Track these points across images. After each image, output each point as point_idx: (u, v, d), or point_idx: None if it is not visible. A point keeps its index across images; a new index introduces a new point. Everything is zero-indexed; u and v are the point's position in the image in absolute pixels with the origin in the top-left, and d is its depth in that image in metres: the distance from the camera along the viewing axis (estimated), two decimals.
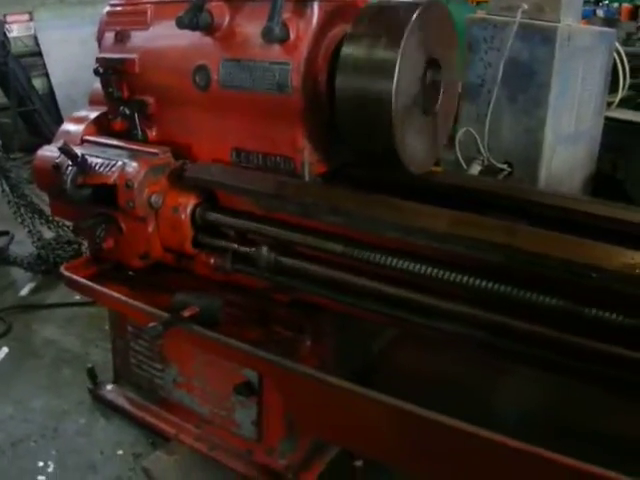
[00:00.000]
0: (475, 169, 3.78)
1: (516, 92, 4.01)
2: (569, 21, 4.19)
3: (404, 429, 2.24)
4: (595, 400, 2.46)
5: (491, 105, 3.92)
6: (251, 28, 2.55)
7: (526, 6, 4.08)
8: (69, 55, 8.94)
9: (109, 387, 3.61)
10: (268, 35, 2.41)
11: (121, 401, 3.49)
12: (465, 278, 2.13)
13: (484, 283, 2.10)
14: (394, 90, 2.28)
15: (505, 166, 3.92)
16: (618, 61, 5.14)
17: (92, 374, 3.65)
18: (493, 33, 4.13)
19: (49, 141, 3.09)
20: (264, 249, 2.50)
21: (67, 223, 5.32)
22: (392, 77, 2.28)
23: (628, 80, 5.38)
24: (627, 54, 6.20)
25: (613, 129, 5.50)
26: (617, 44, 5.17)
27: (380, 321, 2.48)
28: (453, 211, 2.29)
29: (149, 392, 3.35)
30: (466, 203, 2.52)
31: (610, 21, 8.06)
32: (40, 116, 8.92)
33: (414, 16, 2.37)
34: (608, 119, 5.32)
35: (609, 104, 5.39)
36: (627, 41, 7.91)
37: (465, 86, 4.20)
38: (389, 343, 2.99)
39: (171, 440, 3.17)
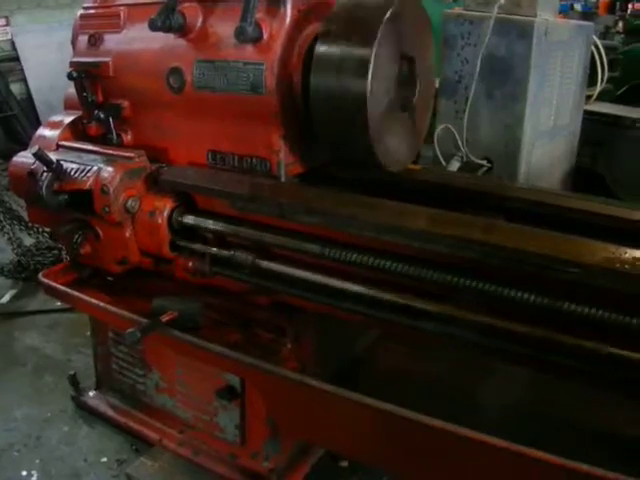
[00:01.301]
0: (454, 166, 3.78)
1: (494, 87, 4.01)
2: (546, 15, 4.19)
3: (386, 430, 2.23)
4: (578, 394, 2.45)
5: (469, 101, 3.92)
6: (224, 29, 2.54)
7: (502, 1, 4.07)
8: (47, 60, 8.87)
9: (91, 394, 3.58)
10: (241, 35, 2.39)
11: (104, 408, 3.46)
12: (443, 276, 2.12)
13: (462, 281, 2.09)
14: (369, 88, 2.27)
15: (484, 162, 3.92)
16: (596, 54, 5.15)
17: (74, 381, 3.62)
18: (470, 29, 4.13)
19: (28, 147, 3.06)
20: (242, 252, 2.48)
21: (47, 229, 5.28)
22: (366, 75, 2.27)
23: (607, 73, 5.38)
24: (605, 47, 6.22)
25: (592, 123, 5.52)
26: (595, 37, 5.17)
27: (361, 322, 2.46)
28: (430, 209, 2.29)
29: (132, 398, 3.33)
30: (444, 200, 2.52)
31: (588, 14, 8.10)
32: (18, 122, 8.86)
33: (388, 13, 2.36)
34: (587, 113, 5.33)
35: (588, 98, 5.40)
36: (605, 34, 7.94)
37: (443, 82, 4.19)
38: (371, 344, 2.98)
39: (155, 446, 3.14)
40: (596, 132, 5.61)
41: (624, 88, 6.97)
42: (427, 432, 2.09)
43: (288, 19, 2.47)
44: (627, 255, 1.93)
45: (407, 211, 2.27)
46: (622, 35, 7.93)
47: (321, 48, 2.39)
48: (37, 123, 8.65)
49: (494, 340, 2.12)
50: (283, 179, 2.55)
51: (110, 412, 3.43)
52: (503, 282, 2.04)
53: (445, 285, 2.12)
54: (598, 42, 5.21)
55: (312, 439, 2.78)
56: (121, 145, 2.89)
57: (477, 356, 2.44)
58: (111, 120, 2.89)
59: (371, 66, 2.27)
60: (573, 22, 4.98)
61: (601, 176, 5.70)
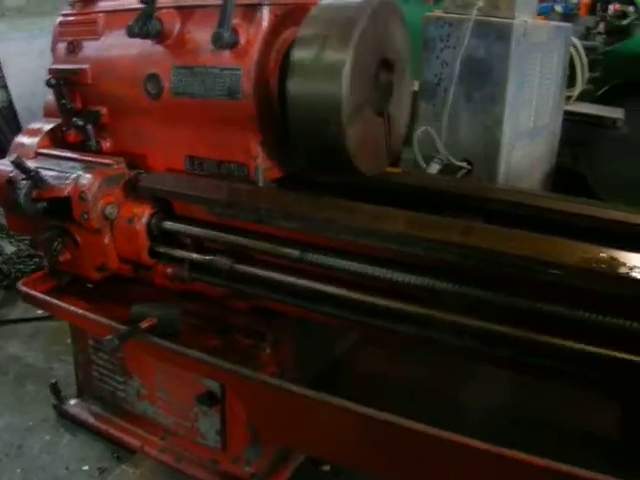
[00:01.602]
0: (434, 168, 3.78)
1: (473, 90, 4.02)
2: (524, 17, 4.20)
3: (366, 434, 2.23)
4: (559, 395, 2.46)
5: (448, 103, 3.93)
6: (202, 35, 2.53)
7: (481, 3, 4.09)
8: (28, 67, 8.82)
9: (73, 402, 3.56)
10: (218, 41, 2.39)
11: (85, 415, 3.44)
12: (422, 279, 2.12)
13: (441, 283, 2.09)
14: (345, 92, 2.27)
15: (464, 164, 3.92)
16: (576, 55, 5.17)
17: (56, 389, 3.60)
18: (449, 31, 4.14)
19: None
20: (221, 257, 2.48)
21: (28, 237, 5.26)
22: (342, 79, 2.27)
23: (587, 74, 5.41)
24: (585, 48, 6.25)
25: (573, 123, 5.55)
26: (575, 39, 5.20)
27: (341, 325, 2.46)
28: (408, 212, 2.29)
29: (113, 405, 3.31)
30: (424, 203, 2.52)
31: (569, 16, 8.09)
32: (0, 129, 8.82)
33: (364, 16, 2.36)
34: (568, 113, 5.35)
35: (568, 98, 5.42)
36: (587, 35, 7.95)
37: (422, 85, 4.20)
38: (352, 347, 2.98)
39: (136, 453, 3.13)
40: (577, 132, 5.65)
41: (605, 88, 6.99)
42: (408, 435, 2.09)
43: (265, 24, 2.47)
44: (604, 255, 1.94)
45: (385, 214, 2.27)
46: (603, 36, 7.94)
47: (297, 52, 2.39)
48: (18, 130, 8.58)
49: (473, 342, 2.12)
50: (261, 184, 2.54)
51: (91, 420, 3.41)
52: (482, 284, 2.04)
53: (424, 288, 2.12)
54: (577, 43, 5.24)
55: (292, 444, 2.78)
56: (100, 152, 2.88)
57: (457, 359, 2.45)
58: (90, 127, 2.87)
59: (346, 70, 2.27)
60: (552, 23, 5.00)
61: (583, 176, 5.73)
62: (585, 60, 5.31)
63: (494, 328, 2.05)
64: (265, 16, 2.47)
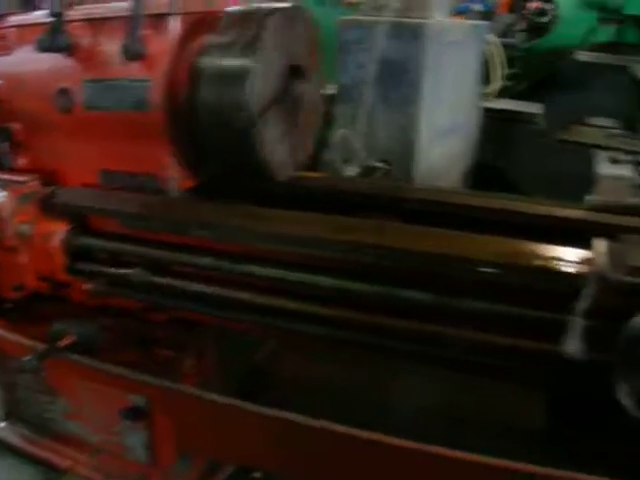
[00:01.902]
0: (353, 170, 3.79)
1: (389, 91, 4.03)
2: (439, 17, 4.25)
3: (290, 439, 2.23)
4: (485, 389, 2.49)
5: (365, 105, 3.94)
6: (111, 47, 2.51)
7: (397, 5, 4.11)
8: None
9: (1, 425, 3.49)
10: (127, 52, 2.38)
11: (13, 439, 3.37)
12: (338, 282, 2.13)
13: (357, 285, 2.11)
14: (251, 99, 2.27)
15: (382, 165, 3.94)
16: (494, 53, 5.24)
17: None
18: (364, 34, 4.15)
19: None
20: (137, 270, 2.46)
21: None
22: (248, 86, 2.27)
23: (504, 71, 5.48)
24: (504, 45, 6.35)
25: (493, 120, 5.62)
26: (491, 36, 5.27)
27: (259, 332, 2.46)
28: (322, 215, 2.30)
29: (41, 426, 3.25)
30: (340, 206, 2.53)
31: (488, 14, 8.17)
32: None
33: (271, 22, 2.37)
34: (487, 110, 5.42)
35: (486, 95, 5.50)
36: (507, 33, 8.05)
37: (339, 88, 4.21)
38: (273, 353, 2.98)
39: (67, 474, 3.08)
40: (497, 129, 5.71)
41: (525, 84, 7.12)
42: (331, 439, 2.10)
43: (174, 34, 2.45)
44: (519, 248, 1.98)
45: (298, 219, 2.28)
46: (523, 33, 8.07)
47: (204, 61, 2.39)
48: None
49: (395, 342, 2.14)
50: (174, 194, 2.53)
51: (20, 443, 3.34)
52: (398, 283, 2.06)
53: (341, 290, 2.13)
54: (495, 40, 5.31)
55: (219, 455, 2.76)
56: (15, 169, 2.83)
57: (381, 358, 2.46)
58: (3, 144, 2.83)
59: (253, 77, 2.27)
60: (467, 22, 5.05)
61: (504, 172, 5.80)
62: (503, 57, 5.38)
63: (413, 326, 2.08)
64: (174, 26, 2.45)
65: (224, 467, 2.95)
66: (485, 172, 5.53)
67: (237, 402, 2.19)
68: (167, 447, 2.78)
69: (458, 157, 4.74)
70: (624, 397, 1.70)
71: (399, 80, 3.98)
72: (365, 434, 2.04)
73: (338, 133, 3.85)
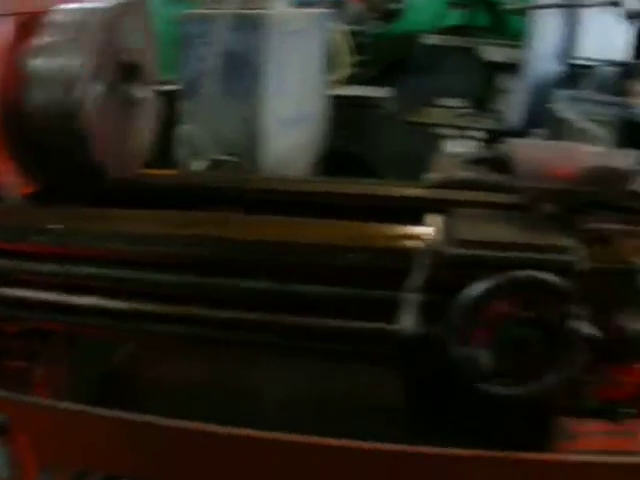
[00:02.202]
0: (200, 165, 3.77)
1: (232, 83, 4.02)
2: (280, 7, 4.26)
3: (150, 442, 2.20)
4: (346, 374, 2.52)
5: (209, 99, 3.92)
6: None
7: None
8: None
9: None
10: None
11: None
12: (183, 278, 2.11)
13: (203, 280, 2.09)
14: (80, 100, 2.22)
15: (230, 158, 3.93)
16: (341, 40, 5.31)
17: None
18: (206, 27, 4.12)
19: None
20: None
21: None
22: (77, 87, 2.22)
23: (352, 58, 5.56)
24: (353, 32, 6.43)
25: (344, 106, 5.69)
26: (338, 24, 5.33)
27: (112, 336, 2.42)
28: (162, 211, 2.27)
29: None
30: (185, 201, 2.51)
31: (339, 3, 8.24)
32: None
33: (100, 20, 2.32)
34: (337, 97, 5.49)
35: (335, 82, 5.57)
36: (360, 20, 8.14)
37: (183, 84, 4.17)
38: (132, 355, 2.92)
39: None
40: (349, 115, 5.79)
41: (376, 70, 7.24)
42: (191, 437, 2.08)
43: (4, 36, 2.37)
44: (355, 230, 2.01)
45: (140, 216, 2.25)
46: (375, 20, 8.20)
47: (32, 63, 2.32)
48: None
49: (248, 334, 2.14)
50: (12, 201, 2.45)
51: None
52: (245, 274, 2.06)
53: (188, 286, 2.11)
54: (341, 28, 5.38)
55: (77, 464, 2.70)
56: None
57: (242, 353, 2.45)
58: None
59: (81, 77, 2.22)
60: (309, 11, 5.08)
61: (359, 157, 5.89)
62: (350, 45, 5.45)
63: (266, 317, 2.08)
64: (4, 28, 2.37)
65: (91, 477, 2.88)
66: (342, 159, 5.61)
67: (87, 408, 2.14)
68: (30, 462, 2.71)
69: (307, 146, 4.77)
70: (458, 367, 1.75)
71: (242, 72, 3.98)
72: (225, 429, 2.03)
73: (183, 128, 3.81)
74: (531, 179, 1.92)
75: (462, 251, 1.77)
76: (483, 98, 6.76)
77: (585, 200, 1.94)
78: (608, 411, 1.91)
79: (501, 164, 1.96)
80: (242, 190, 2.63)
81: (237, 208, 2.50)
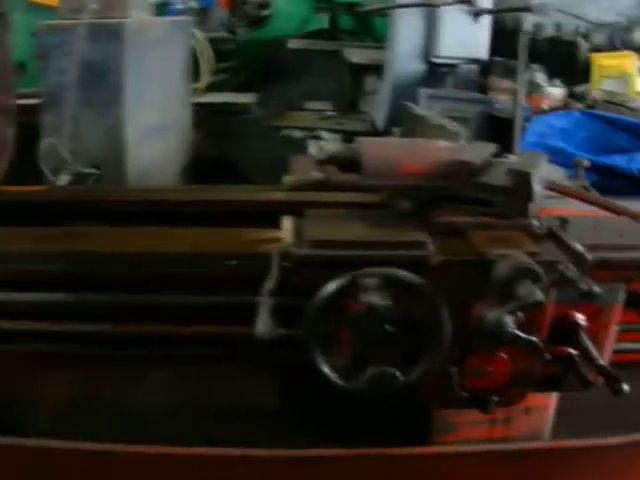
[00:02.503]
0: (64, 180, 3.66)
1: (92, 94, 3.93)
2: (139, 15, 4.20)
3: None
4: (223, 379, 2.49)
5: (69, 111, 3.83)
6: None
7: (94, 5, 4.01)
8: None
9: None
10: None
11: None
12: (36, 295, 2.03)
13: (55, 296, 2.02)
14: None
15: (93, 170, 3.84)
16: (201, 48, 5.29)
17: None
18: (64, 38, 4.01)
19: None
20: None
21: None
22: None
23: (213, 65, 5.54)
24: (218, 39, 6.41)
25: (210, 113, 5.68)
26: (197, 31, 5.30)
27: None
28: (14, 228, 2.19)
29: None
30: (46, 217, 2.44)
31: (204, 11, 8.19)
32: None
33: None
34: (203, 105, 5.47)
35: (198, 90, 5.56)
36: (228, 27, 8.11)
37: (43, 97, 4.06)
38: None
39: None
40: (216, 122, 5.78)
41: (243, 76, 7.24)
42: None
43: None
44: (209, 237, 2.00)
45: None
46: (243, 27, 8.21)
47: None
48: None
49: (112, 348, 2.09)
50: None
51: None
52: (97, 288, 2.00)
53: (41, 304, 2.04)
54: (201, 35, 5.35)
55: None
56: None
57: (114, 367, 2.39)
58: None
59: None
60: (169, 19, 5.04)
61: (231, 164, 5.87)
62: (210, 52, 5.43)
63: (128, 329, 2.03)
64: None
65: None
66: (214, 166, 5.59)
67: None
68: None
69: (172, 155, 4.72)
70: (324, 369, 1.75)
71: (101, 82, 3.90)
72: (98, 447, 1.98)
73: (45, 142, 3.70)
74: (379, 177, 1.94)
75: (312, 251, 1.77)
76: (349, 100, 6.84)
77: (436, 194, 1.96)
78: (477, 401, 1.94)
79: (351, 163, 1.96)
80: (103, 203, 2.57)
81: (98, 221, 2.45)
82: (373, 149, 1.97)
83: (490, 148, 2.16)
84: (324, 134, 4.72)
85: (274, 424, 2.33)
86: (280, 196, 2.35)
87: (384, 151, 1.97)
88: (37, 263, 2.02)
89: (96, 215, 2.52)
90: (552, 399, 2.13)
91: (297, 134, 1.89)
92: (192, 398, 2.57)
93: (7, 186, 2.69)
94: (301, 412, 2.34)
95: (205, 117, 5.53)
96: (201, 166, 5.28)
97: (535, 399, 2.08)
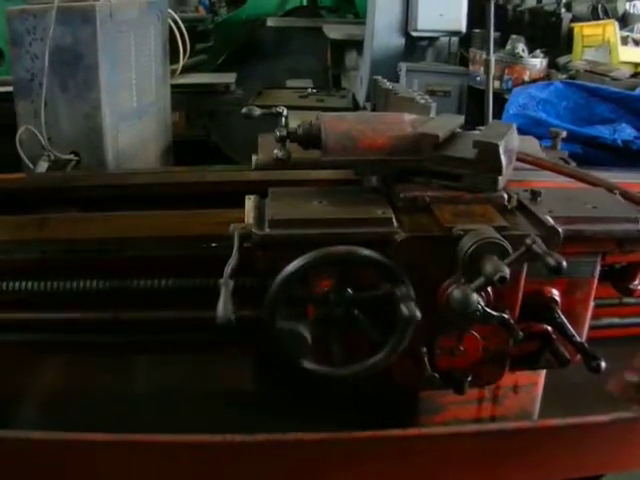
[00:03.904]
0: (42, 167, 3.62)
1: (66, 79, 3.87)
2: None
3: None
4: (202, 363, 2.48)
5: (43, 97, 3.78)
6: None
7: None
8: None
9: None
10: None
11: None
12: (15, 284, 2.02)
13: (30, 284, 2.00)
14: None
15: (72, 156, 3.81)
16: (175, 29, 5.23)
17: None
18: (35, 23, 3.96)
19: None
20: None
21: None
22: None
23: (188, 46, 5.50)
24: (194, 20, 6.36)
25: (194, 95, 5.65)
26: (172, 12, 5.24)
27: None
28: None
29: None
30: (23, 204, 2.42)
31: None
32: None
33: None
34: (182, 86, 5.44)
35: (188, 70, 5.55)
36: (211, 8, 8.06)
37: (16, 83, 4.01)
38: None
39: None
40: (201, 103, 5.76)
41: (222, 57, 7.20)
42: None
43: None
44: (178, 220, 1.99)
45: None
46: (224, 8, 8.19)
47: None
48: None
49: (87, 335, 2.09)
50: None
51: None
52: (72, 274, 1.99)
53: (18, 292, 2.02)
54: (175, 16, 5.30)
55: None
56: None
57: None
58: None
59: None
60: (143, 0, 4.96)
61: (214, 145, 5.86)
62: (185, 32, 5.38)
63: (105, 316, 2.02)
64: None
65: None
66: (201, 148, 5.58)
67: None
68: None
69: (152, 137, 4.68)
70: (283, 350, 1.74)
71: (76, 67, 3.84)
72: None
73: (21, 130, 3.67)
74: (339, 152, 1.89)
75: (272, 231, 1.74)
76: (330, 77, 6.81)
77: (399, 169, 1.92)
78: (450, 382, 1.93)
79: (311, 139, 1.93)
80: (80, 189, 2.55)
81: (75, 207, 2.43)
82: (333, 124, 1.92)
83: (458, 120, 2.12)
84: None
85: (256, 407, 2.32)
86: (248, 176, 2.33)
87: (344, 126, 1.92)
88: (14, 252, 2.01)
89: (73, 201, 2.51)
90: (541, 377, 2.12)
91: (256, 112, 1.86)
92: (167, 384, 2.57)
93: None
94: (281, 394, 2.33)
95: (187, 99, 5.50)
96: (184, 148, 5.24)
97: (524, 377, 2.08)
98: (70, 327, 2.08)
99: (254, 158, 2.11)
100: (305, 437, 1.95)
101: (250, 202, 1.89)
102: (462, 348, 1.83)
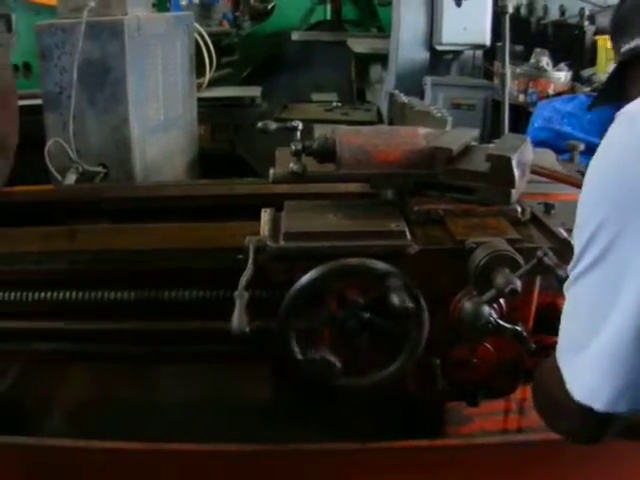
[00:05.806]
0: (71, 179, 3.69)
1: (95, 92, 3.95)
2: (138, 12, 4.22)
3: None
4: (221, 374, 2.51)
5: (72, 110, 3.85)
6: None
7: (93, 4, 4.03)
8: None
9: None
10: None
11: None
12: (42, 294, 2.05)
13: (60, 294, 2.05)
14: None
15: (100, 168, 3.88)
16: (202, 43, 5.30)
17: None
18: (63, 37, 4.04)
19: None
20: None
21: None
22: None
23: (214, 59, 5.56)
24: (219, 33, 6.40)
25: (220, 108, 5.70)
26: (198, 26, 5.31)
27: None
28: (23, 228, 2.23)
29: None
30: (52, 217, 2.47)
31: (209, 6, 8.22)
32: None
33: None
34: (209, 99, 5.50)
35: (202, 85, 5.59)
36: (235, 21, 8.14)
37: (45, 96, 4.08)
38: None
39: None
40: (226, 117, 5.81)
41: (247, 70, 7.25)
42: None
43: None
44: (200, 233, 2.02)
45: None
46: (248, 21, 8.25)
47: None
48: None
49: (118, 346, 2.12)
50: None
51: None
52: (102, 285, 2.03)
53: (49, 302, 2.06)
54: (202, 30, 5.36)
55: None
56: None
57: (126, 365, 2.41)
58: None
59: None
60: (170, 14, 5.05)
61: (240, 158, 5.90)
62: (210, 47, 5.44)
63: (137, 326, 2.05)
64: None
65: None
66: (227, 161, 5.61)
67: None
68: None
69: (179, 150, 4.74)
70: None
71: (104, 80, 3.92)
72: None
73: (50, 142, 3.73)
74: (353, 166, 1.94)
75: (287, 244, 1.78)
76: (355, 91, 6.84)
77: (413, 183, 1.96)
78: (464, 394, 1.96)
79: (327, 153, 1.97)
80: (108, 201, 2.61)
81: (103, 219, 2.48)
82: (348, 138, 1.96)
83: (472, 133, 2.15)
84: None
85: (277, 417, 2.35)
86: (272, 189, 2.37)
87: (359, 140, 1.96)
88: (44, 263, 2.06)
89: (101, 213, 2.56)
90: None
91: (272, 126, 1.88)
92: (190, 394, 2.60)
93: (15, 186, 2.73)
94: (307, 405, 2.36)
95: (211, 112, 5.56)
96: (209, 160, 5.29)
97: None
98: (97, 337, 2.12)
99: (271, 172, 2.15)
100: (329, 447, 1.99)
101: (266, 215, 1.94)
102: (475, 360, 1.86)
